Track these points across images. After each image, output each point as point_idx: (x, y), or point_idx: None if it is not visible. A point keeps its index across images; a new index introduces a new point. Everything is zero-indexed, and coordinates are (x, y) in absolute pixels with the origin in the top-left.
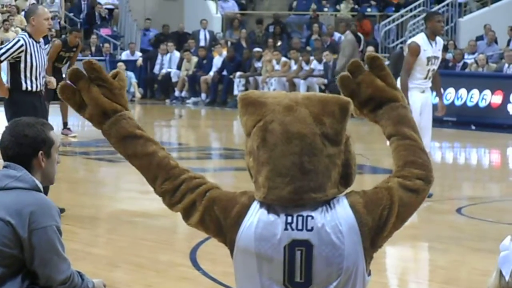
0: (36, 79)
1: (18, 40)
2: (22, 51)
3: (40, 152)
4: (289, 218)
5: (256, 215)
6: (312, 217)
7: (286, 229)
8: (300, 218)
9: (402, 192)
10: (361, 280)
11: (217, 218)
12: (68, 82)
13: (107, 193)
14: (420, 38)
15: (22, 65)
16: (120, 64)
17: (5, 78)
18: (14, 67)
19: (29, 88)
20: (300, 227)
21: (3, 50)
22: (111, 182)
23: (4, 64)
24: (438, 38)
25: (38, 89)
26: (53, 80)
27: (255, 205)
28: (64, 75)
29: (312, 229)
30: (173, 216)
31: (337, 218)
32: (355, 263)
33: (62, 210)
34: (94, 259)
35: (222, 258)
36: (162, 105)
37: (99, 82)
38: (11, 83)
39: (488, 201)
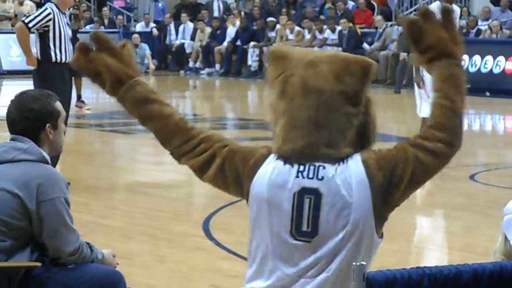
0: (65, 50)
1: (46, 9)
2: (50, 19)
3: (48, 124)
4: (301, 167)
5: (272, 164)
6: (324, 167)
7: (297, 176)
8: (312, 167)
9: (420, 152)
10: (369, 237)
11: (236, 167)
12: (80, 52)
13: (121, 165)
14: (435, 7)
15: (51, 35)
16: (135, 35)
17: (34, 51)
18: (43, 38)
19: (59, 59)
20: (311, 175)
21: (30, 18)
22: (125, 154)
23: (33, 37)
24: (455, 6)
25: (67, 60)
26: None
27: (272, 156)
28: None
29: (322, 179)
30: (186, 187)
31: (348, 172)
32: (363, 218)
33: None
34: (108, 230)
35: (235, 228)
36: (176, 76)
37: (109, 51)
38: (40, 54)
39: (502, 167)
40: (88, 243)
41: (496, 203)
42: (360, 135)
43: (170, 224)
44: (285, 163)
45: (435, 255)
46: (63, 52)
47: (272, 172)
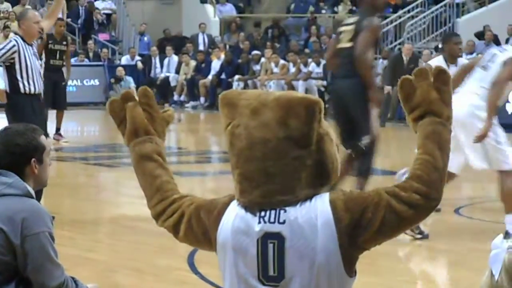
0: (33, 81)
1: (10, 41)
2: (15, 51)
3: (33, 159)
4: (263, 212)
5: (234, 211)
6: (285, 211)
7: (259, 222)
8: (273, 211)
9: (394, 200)
10: (338, 277)
11: (203, 223)
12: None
13: (106, 198)
14: (436, 61)
15: (17, 67)
16: (119, 68)
17: (2, 84)
18: (10, 70)
19: (27, 90)
20: (272, 220)
21: None
22: (110, 187)
23: (0, 70)
24: (460, 59)
25: (37, 92)
26: None
27: (235, 203)
28: (63, 79)
29: (284, 222)
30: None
31: (314, 212)
32: (329, 258)
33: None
34: (93, 264)
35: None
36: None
37: (146, 107)
38: (9, 87)
39: (486, 200)
40: (73, 278)
41: (481, 236)
42: (318, 174)
43: (155, 258)
44: (246, 208)
45: None
46: (31, 83)
47: (234, 219)
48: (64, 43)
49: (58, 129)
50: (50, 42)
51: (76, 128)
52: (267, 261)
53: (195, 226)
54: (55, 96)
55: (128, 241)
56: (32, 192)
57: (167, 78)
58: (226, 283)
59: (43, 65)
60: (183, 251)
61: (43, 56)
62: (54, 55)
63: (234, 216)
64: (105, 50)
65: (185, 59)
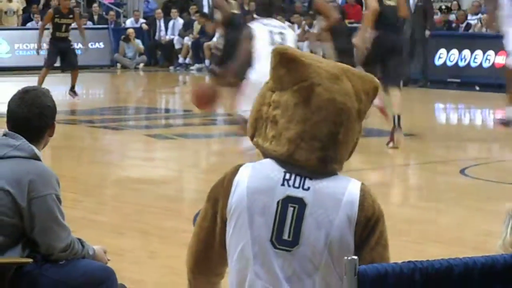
0: None
1: None
2: None
3: (54, 121)
4: (288, 175)
5: (247, 174)
6: (311, 178)
7: (283, 184)
8: (298, 177)
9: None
10: (348, 252)
11: (217, 207)
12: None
13: (112, 161)
14: None
15: None
16: (130, 31)
17: None
18: None
19: None
20: (297, 185)
21: None
22: (116, 150)
23: None
24: None
25: None
26: None
27: (244, 168)
28: (71, 44)
29: (308, 189)
30: (177, 183)
31: (342, 188)
32: (342, 236)
33: None
34: (99, 226)
35: None
36: (166, 72)
37: None
38: None
39: (492, 161)
40: (79, 239)
41: (486, 197)
42: (351, 152)
43: (161, 220)
44: (268, 167)
45: (425, 249)
46: None
47: (249, 180)
48: (71, 16)
49: (73, 87)
50: (56, 16)
51: (81, 91)
52: (283, 225)
53: (219, 218)
54: (66, 59)
55: (133, 203)
56: (40, 154)
57: (171, 40)
58: (237, 248)
59: (50, 35)
60: (188, 213)
61: (50, 27)
62: (60, 28)
63: (248, 178)
64: (112, 12)
65: (199, 19)
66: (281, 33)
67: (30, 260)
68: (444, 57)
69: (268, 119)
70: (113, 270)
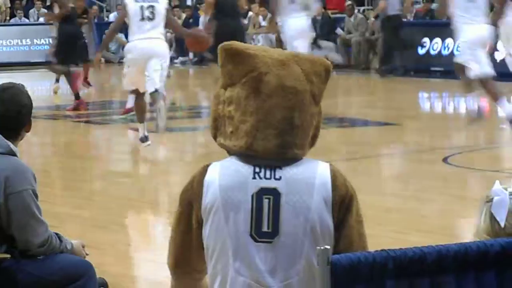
0: None
1: None
2: None
3: (30, 119)
4: (257, 168)
5: (216, 173)
6: (280, 168)
7: (254, 178)
8: (267, 169)
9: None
10: (329, 239)
11: (191, 209)
12: None
13: (96, 155)
14: None
15: None
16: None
17: None
18: None
19: None
20: (268, 176)
21: None
22: (99, 144)
23: None
24: None
25: None
26: None
27: (212, 167)
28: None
29: (280, 178)
30: (157, 177)
31: (312, 172)
32: (321, 219)
33: None
34: (81, 221)
35: None
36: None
37: None
38: None
39: (475, 149)
40: (57, 234)
41: (470, 185)
42: (314, 135)
43: (142, 214)
44: (237, 163)
45: (408, 238)
46: None
47: (220, 178)
48: (85, 16)
49: (85, 78)
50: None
51: (66, 86)
52: (261, 217)
53: (194, 221)
54: (77, 53)
55: (114, 197)
56: (16, 149)
57: None
58: (216, 247)
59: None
60: (169, 207)
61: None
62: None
63: (218, 176)
64: (95, 7)
65: (177, 13)
66: (151, 7)
67: (8, 255)
68: (427, 46)
69: (225, 116)
70: (91, 264)
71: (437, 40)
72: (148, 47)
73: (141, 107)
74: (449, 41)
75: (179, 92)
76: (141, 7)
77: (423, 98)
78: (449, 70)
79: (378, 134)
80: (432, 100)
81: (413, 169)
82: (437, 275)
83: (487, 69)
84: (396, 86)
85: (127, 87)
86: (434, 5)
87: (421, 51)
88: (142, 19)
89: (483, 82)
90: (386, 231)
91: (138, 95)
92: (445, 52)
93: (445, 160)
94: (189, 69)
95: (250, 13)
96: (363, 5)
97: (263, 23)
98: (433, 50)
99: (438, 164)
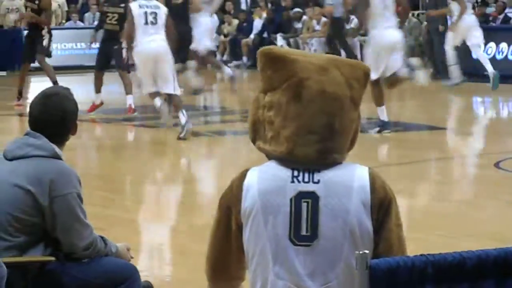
0: None
1: None
2: None
3: (76, 124)
4: (296, 172)
5: (255, 177)
6: (319, 171)
7: (292, 181)
8: (306, 172)
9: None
10: (369, 243)
11: (230, 214)
12: None
13: (145, 159)
14: None
15: None
16: None
17: None
18: None
19: None
20: (306, 179)
21: None
22: (149, 148)
23: None
24: None
25: None
26: None
27: (251, 172)
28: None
29: (318, 182)
30: (209, 181)
31: (351, 174)
32: (360, 222)
33: None
34: (128, 224)
35: None
36: (203, 70)
37: None
38: None
39: None
40: (102, 237)
41: None
42: (353, 140)
43: (189, 216)
44: (275, 167)
45: (459, 243)
46: None
47: (259, 183)
48: (122, 5)
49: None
50: (105, 4)
51: (118, 90)
52: (300, 220)
53: (233, 224)
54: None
55: (166, 202)
56: (60, 153)
57: None
58: (256, 251)
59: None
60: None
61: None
62: (108, 18)
63: (257, 180)
64: None
65: (228, 19)
66: (154, 13)
67: (53, 258)
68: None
69: (265, 121)
70: (136, 268)
71: (491, 44)
72: (152, 48)
73: (178, 103)
74: (503, 45)
75: (233, 96)
76: (145, 13)
77: (477, 102)
78: (502, 75)
79: (430, 138)
80: (486, 104)
81: (464, 174)
82: (477, 280)
83: None
84: (449, 90)
85: (147, 91)
86: (489, 9)
87: (475, 55)
88: (146, 23)
89: None
90: (437, 236)
91: (165, 97)
92: (499, 57)
93: (496, 164)
94: (243, 73)
95: (304, 17)
96: (417, 9)
97: (317, 27)
98: (487, 54)
99: (489, 169)
